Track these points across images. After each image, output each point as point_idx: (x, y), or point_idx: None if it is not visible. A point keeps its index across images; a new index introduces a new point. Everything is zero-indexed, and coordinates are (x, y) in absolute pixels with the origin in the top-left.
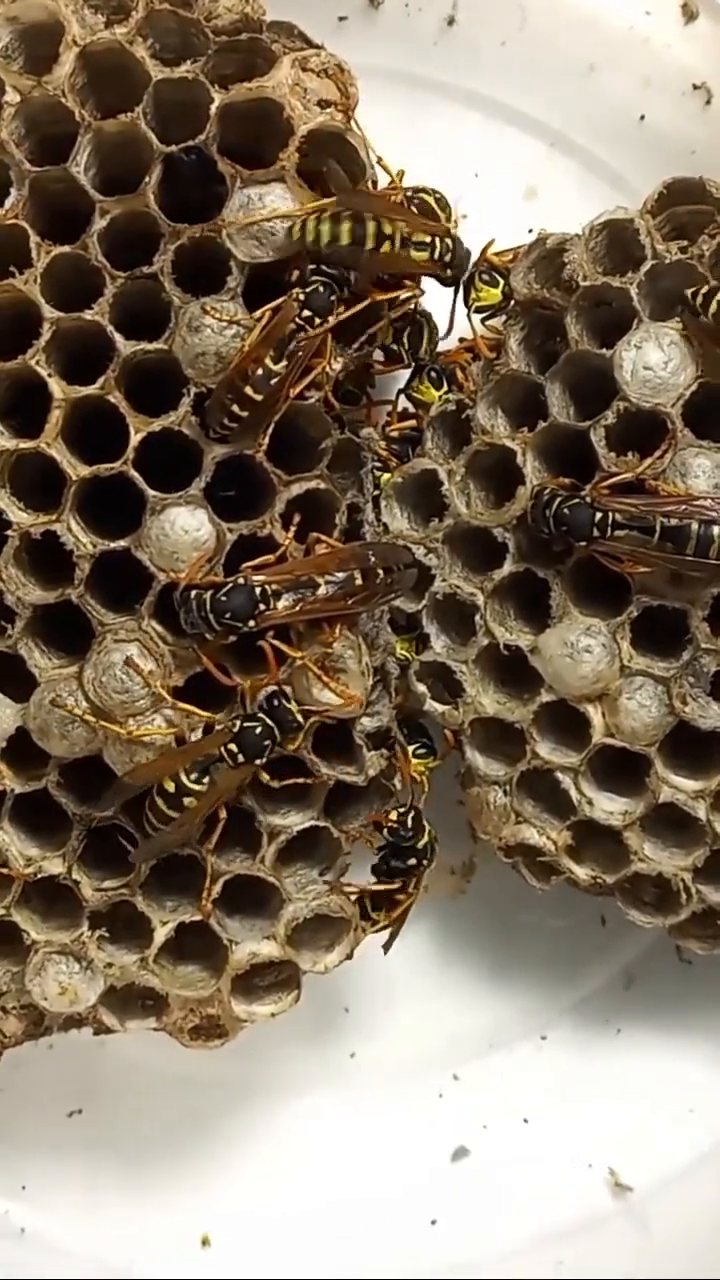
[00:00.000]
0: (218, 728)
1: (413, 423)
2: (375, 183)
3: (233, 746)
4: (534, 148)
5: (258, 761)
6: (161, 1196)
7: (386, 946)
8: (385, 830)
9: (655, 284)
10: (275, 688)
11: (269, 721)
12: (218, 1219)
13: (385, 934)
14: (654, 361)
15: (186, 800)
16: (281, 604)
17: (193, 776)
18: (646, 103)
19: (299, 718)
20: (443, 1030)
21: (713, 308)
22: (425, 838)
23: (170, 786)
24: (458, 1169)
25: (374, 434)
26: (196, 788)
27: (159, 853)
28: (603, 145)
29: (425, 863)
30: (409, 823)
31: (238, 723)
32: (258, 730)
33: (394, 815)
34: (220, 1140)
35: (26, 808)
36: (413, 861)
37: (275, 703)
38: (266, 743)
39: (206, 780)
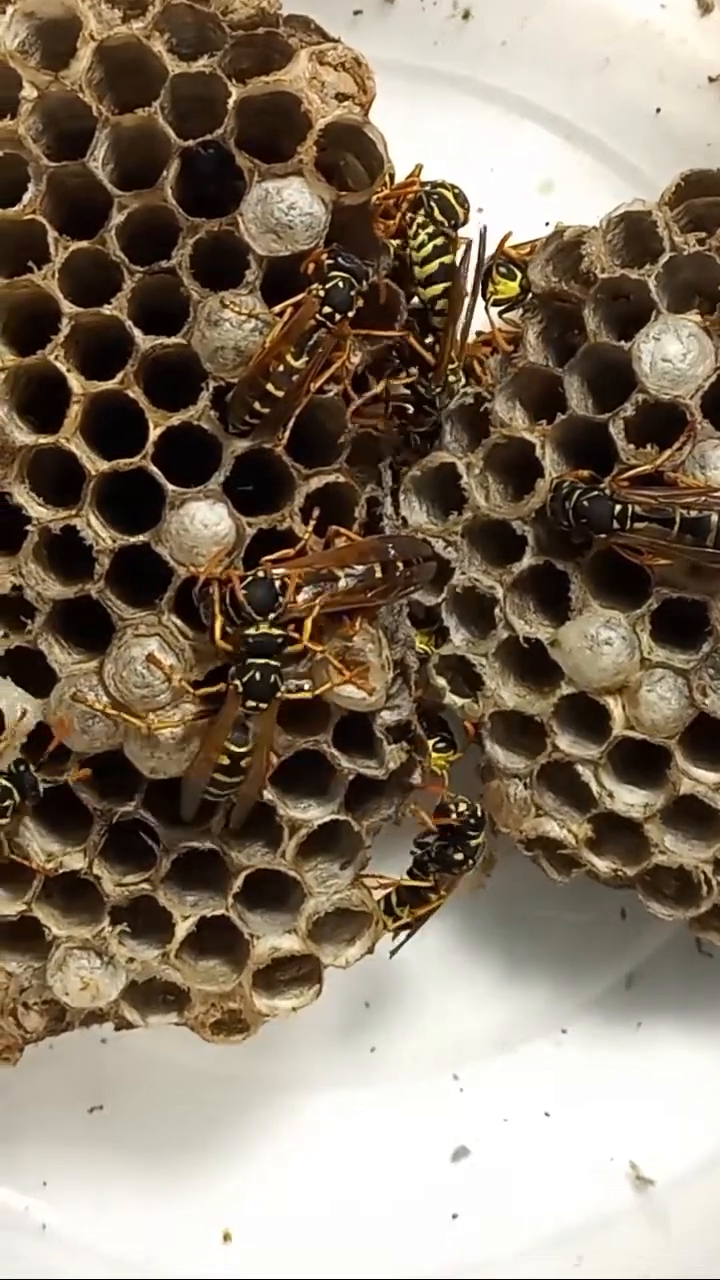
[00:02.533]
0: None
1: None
2: (393, 177)
3: (251, 702)
4: (550, 141)
5: (277, 696)
6: (183, 1192)
7: (394, 951)
8: (454, 815)
9: (673, 276)
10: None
11: (258, 659)
12: (239, 1214)
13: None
14: (672, 353)
15: (244, 762)
16: (301, 597)
17: (235, 738)
18: (662, 96)
19: (279, 636)
20: (463, 1024)
21: None
22: (480, 838)
23: (225, 760)
24: (479, 1163)
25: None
26: (246, 748)
27: (249, 809)
28: (618, 138)
29: (470, 864)
30: (479, 812)
31: (237, 681)
32: (257, 675)
33: (463, 806)
34: (242, 1135)
35: (47, 803)
36: (460, 857)
37: (252, 640)
38: (272, 678)
39: (249, 735)
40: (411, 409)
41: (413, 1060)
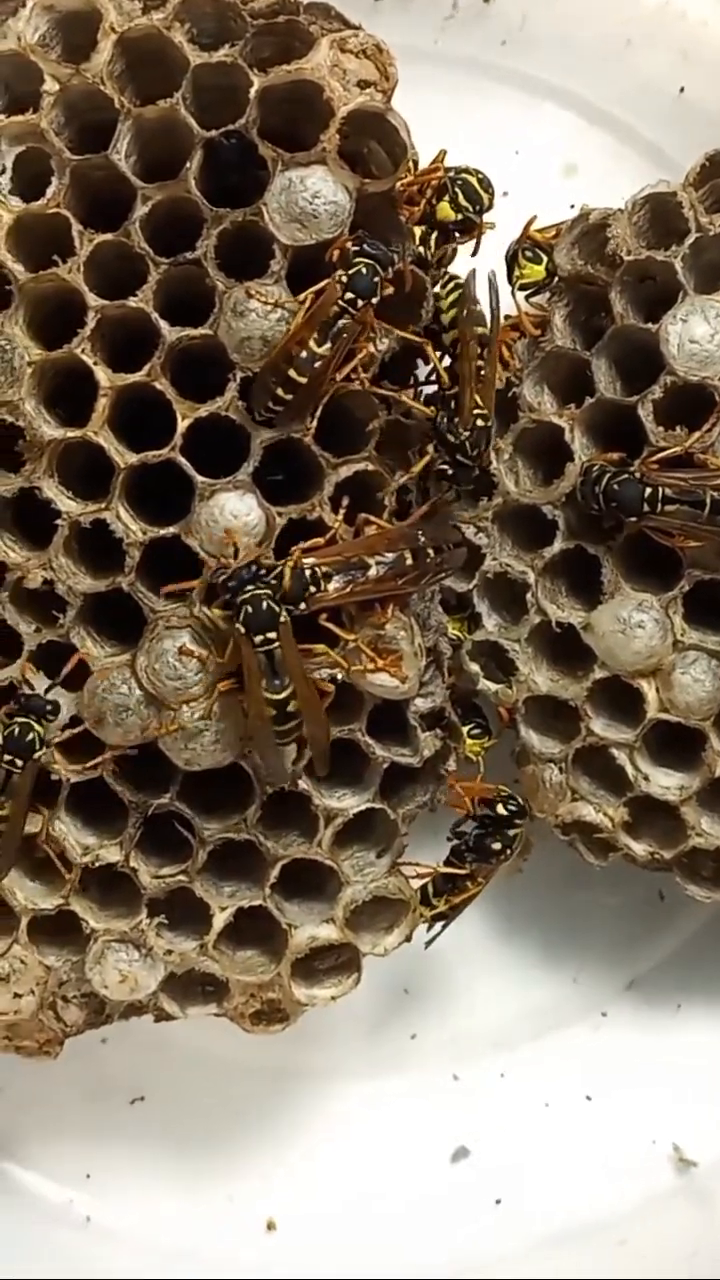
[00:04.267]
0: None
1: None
2: (416, 163)
3: (258, 638)
4: (573, 124)
5: (282, 622)
6: (225, 1182)
7: (429, 942)
8: (497, 802)
9: (699, 257)
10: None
11: (244, 593)
12: (283, 1203)
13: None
14: (700, 334)
15: (290, 706)
16: (332, 586)
17: (271, 685)
18: (685, 76)
19: (250, 563)
20: (502, 1009)
21: None
22: (519, 828)
23: (272, 710)
24: (521, 1147)
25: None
26: (285, 691)
27: (325, 749)
28: (642, 119)
29: (508, 853)
30: (520, 799)
31: (238, 625)
32: (249, 609)
33: (505, 795)
34: (284, 1125)
35: (82, 796)
36: (497, 846)
37: (231, 581)
38: (265, 604)
39: (283, 680)
40: (449, 468)
41: (453, 1046)
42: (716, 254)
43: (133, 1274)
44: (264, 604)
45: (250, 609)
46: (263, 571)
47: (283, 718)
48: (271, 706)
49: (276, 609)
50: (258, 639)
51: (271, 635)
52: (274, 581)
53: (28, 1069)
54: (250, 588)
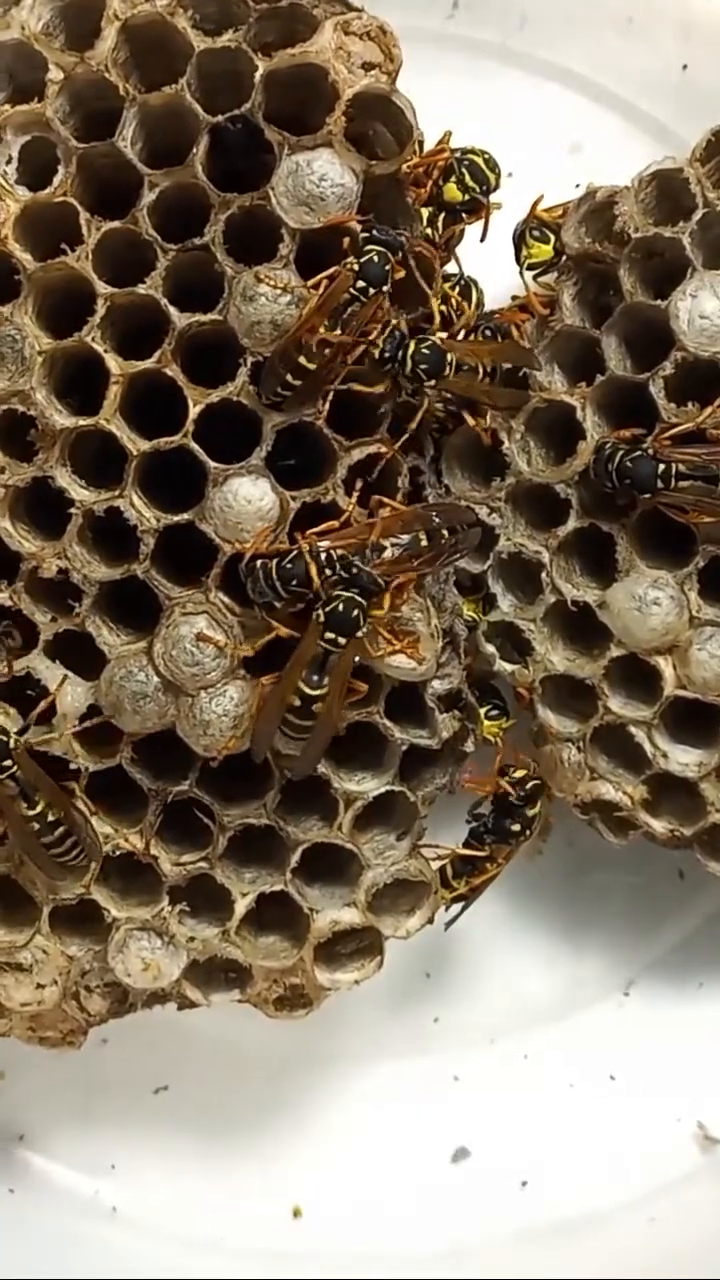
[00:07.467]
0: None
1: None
2: (422, 145)
3: (330, 634)
4: (577, 103)
5: (359, 634)
6: (251, 1169)
7: (449, 924)
8: (504, 781)
9: (707, 232)
10: (340, 553)
11: (346, 591)
12: (308, 1190)
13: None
14: (710, 310)
15: (316, 706)
16: None
17: (310, 679)
18: (688, 53)
19: (379, 579)
20: (524, 991)
21: None
22: (537, 809)
23: (297, 701)
24: (545, 1128)
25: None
26: (320, 690)
27: (326, 741)
28: (645, 97)
29: (527, 834)
30: (528, 785)
31: (320, 611)
32: (340, 606)
33: (519, 773)
34: (307, 1110)
35: (101, 785)
36: (516, 827)
37: (351, 571)
38: (355, 613)
39: (324, 677)
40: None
41: (475, 1029)
42: None
43: (160, 1263)
44: (354, 612)
45: (341, 606)
46: (376, 593)
47: (303, 712)
48: (298, 697)
49: (362, 623)
50: (328, 635)
51: (342, 641)
52: (372, 588)
53: (50, 1060)
54: (352, 590)
